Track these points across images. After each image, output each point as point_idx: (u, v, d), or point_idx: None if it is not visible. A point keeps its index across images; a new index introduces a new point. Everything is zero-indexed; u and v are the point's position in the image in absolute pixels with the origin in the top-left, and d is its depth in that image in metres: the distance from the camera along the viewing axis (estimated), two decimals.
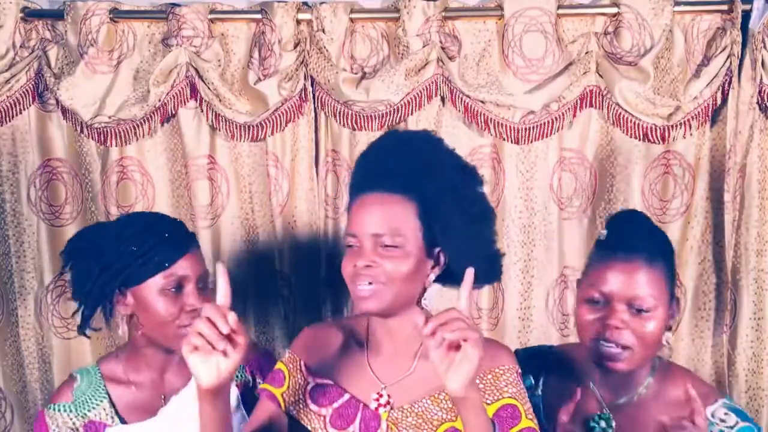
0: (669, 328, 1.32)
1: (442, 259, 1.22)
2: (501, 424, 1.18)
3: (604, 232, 1.37)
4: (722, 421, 1.27)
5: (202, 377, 1.04)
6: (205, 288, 1.40)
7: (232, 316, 1.03)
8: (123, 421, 1.40)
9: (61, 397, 1.43)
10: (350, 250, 1.19)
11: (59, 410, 1.41)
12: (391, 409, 1.22)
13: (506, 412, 1.19)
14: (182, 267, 1.36)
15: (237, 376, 1.43)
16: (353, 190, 1.24)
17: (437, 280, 1.25)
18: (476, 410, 1.07)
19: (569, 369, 1.41)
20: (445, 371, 1.02)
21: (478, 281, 1.20)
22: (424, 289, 1.23)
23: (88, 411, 1.40)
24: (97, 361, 1.50)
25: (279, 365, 1.32)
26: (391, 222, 1.16)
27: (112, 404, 1.41)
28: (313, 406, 1.26)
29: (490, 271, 1.27)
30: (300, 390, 1.28)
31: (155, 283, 1.35)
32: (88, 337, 1.49)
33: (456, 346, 1.02)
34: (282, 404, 1.27)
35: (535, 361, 1.46)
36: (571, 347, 1.49)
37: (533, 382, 1.45)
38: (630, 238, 1.31)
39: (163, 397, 1.43)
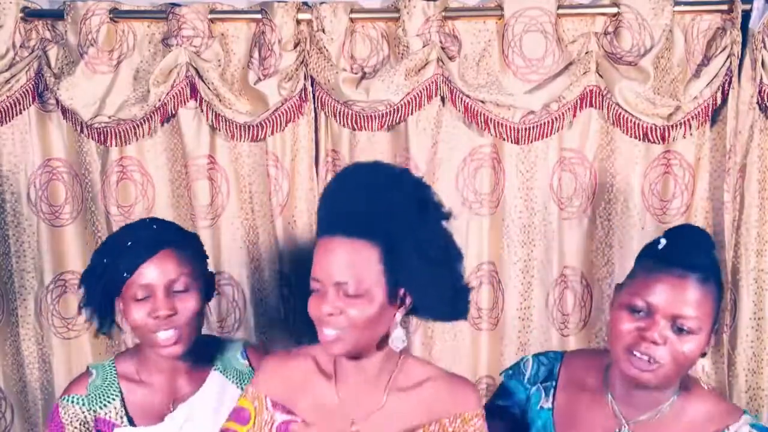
0: (704, 354, 1.27)
1: (407, 300, 1.20)
2: None
3: (663, 241, 1.30)
4: None
5: None
6: (187, 290, 1.37)
7: None
8: (131, 423, 1.40)
9: (75, 389, 1.43)
10: (315, 293, 1.18)
11: (72, 402, 1.41)
12: None
13: None
14: (144, 274, 1.33)
15: (243, 389, 1.40)
16: (319, 228, 1.22)
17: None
18: None
19: (585, 380, 1.38)
20: None
21: (444, 318, 1.25)
22: (391, 328, 1.22)
23: (100, 408, 1.40)
24: (114, 358, 1.49)
25: (242, 402, 1.29)
26: (354, 270, 1.14)
27: (124, 404, 1.41)
28: None
29: (456, 308, 1.25)
30: (265, 427, 1.25)
31: (127, 291, 1.35)
32: (111, 338, 1.50)
33: None
34: None
35: (547, 370, 1.43)
36: (586, 356, 1.45)
37: (543, 392, 1.42)
38: (689, 253, 1.25)
39: (172, 403, 1.43)
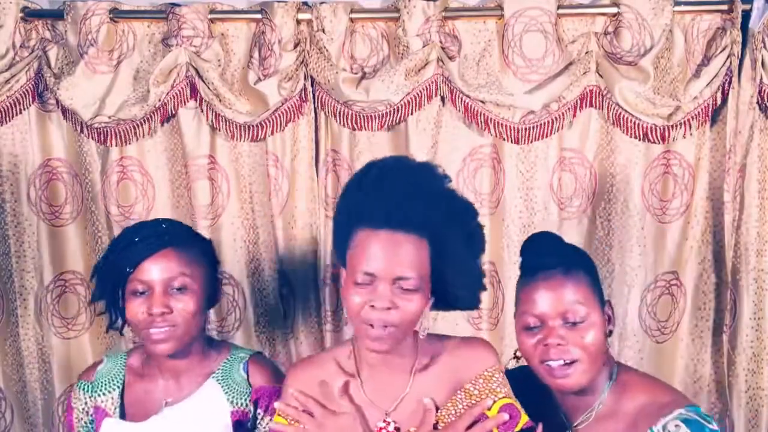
0: (610, 333, 1.32)
1: (438, 291, 1.22)
2: (505, 425, 1.19)
3: (520, 258, 1.39)
4: None
5: None
6: (186, 289, 1.38)
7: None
8: (123, 416, 1.41)
9: (86, 376, 1.49)
10: (359, 287, 1.15)
11: (81, 388, 1.47)
12: None
13: (507, 411, 1.20)
14: (146, 270, 1.35)
15: (235, 403, 1.41)
16: (354, 220, 1.18)
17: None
18: None
19: (541, 392, 1.40)
20: None
21: (464, 306, 1.28)
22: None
23: (99, 396, 1.44)
24: (128, 350, 1.53)
25: (278, 420, 1.27)
26: (411, 265, 1.14)
27: (122, 396, 1.43)
28: None
29: (476, 298, 1.28)
30: None
31: (128, 286, 1.37)
32: (122, 334, 1.53)
33: None
34: None
35: (514, 384, 1.45)
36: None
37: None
38: (543, 256, 1.33)
39: (165, 402, 1.43)
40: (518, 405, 1.23)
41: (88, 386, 1.45)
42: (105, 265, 1.41)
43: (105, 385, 1.44)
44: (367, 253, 1.15)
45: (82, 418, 1.45)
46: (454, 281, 1.21)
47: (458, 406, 1.22)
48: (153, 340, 1.35)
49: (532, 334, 1.30)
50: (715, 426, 1.20)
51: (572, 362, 1.25)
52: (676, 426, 1.20)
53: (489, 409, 1.20)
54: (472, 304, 1.28)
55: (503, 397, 1.22)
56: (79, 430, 1.45)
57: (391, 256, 1.14)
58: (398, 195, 1.15)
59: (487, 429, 1.18)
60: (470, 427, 1.18)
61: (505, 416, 1.19)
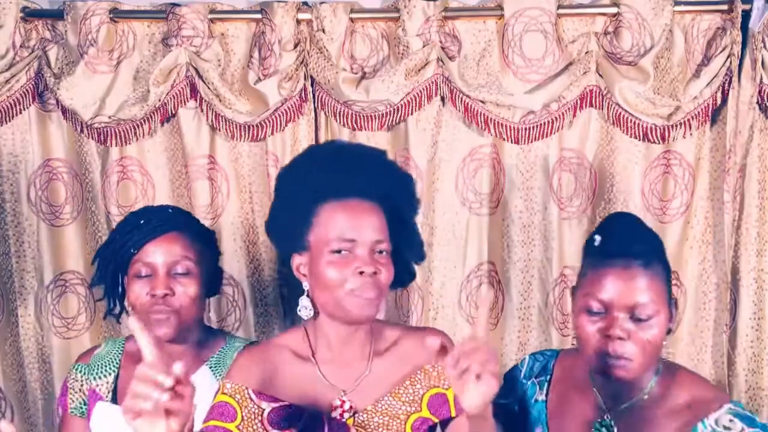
0: (669, 331, 1.28)
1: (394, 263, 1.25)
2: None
3: (598, 237, 1.31)
4: (726, 428, 1.21)
5: None
6: (189, 273, 1.40)
7: (178, 366, 0.95)
8: (115, 401, 1.43)
9: (83, 358, 1.51)
10: (337, 256, 1.16)
11: (77, 370, 1.49)
12: (355, 413, 1.22)
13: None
14: (150, 252, 1.38)
15: None
16: (318, 197, 1.20)
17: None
18: (488, 425, 1.08)
19: (574, 375, 1.39)
20: (463, 392, 1.03)
21: (401, 285, 1.32)
22: None
23: (94, 379, 1.46)
24: (128, 335, 1.54)
25: (222, 398, 1.23)
26: (382, 231, 1.18)
27: (116, 381, 1.45)
28: (274, 431, 1.21)
29: (420, 253, 1.33)
30: (255, 419, 1.21)
31: (131, 268, 1.38)
32: (119, 322, 1.55)
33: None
34: None
35: (541, 366, 1.45)
36: (576, 352, 1.47)
37: (537, 387, 1.44)
38: (625, 242, 1.27)
39: None
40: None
41: (84, 368, 1.47)
42: (109, 247, 1.43)
43: (101, 368, 1.46)
44: (342, 221, 1.16)
45: (75, 399, 1.47)
46: (405, 253, 1.26)
47: (416, 385, 1.24)
48: (154, 323, 1.36)
49: (592, 320, 1.25)
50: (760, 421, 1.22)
51: (628, 358, 1.22)
52: (731, 420, 1.21)
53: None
54: (410, 274, 1.33)
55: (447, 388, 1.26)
56: (72, 411, 1.48)
57: (365, 222, 1.17)
58: (352, 167, 1.21)
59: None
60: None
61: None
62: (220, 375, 1.43)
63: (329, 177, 1.20)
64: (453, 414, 1.22)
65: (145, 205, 1.58)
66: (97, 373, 1.46)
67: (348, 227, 1.16)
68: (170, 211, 1.48)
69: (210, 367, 1.45)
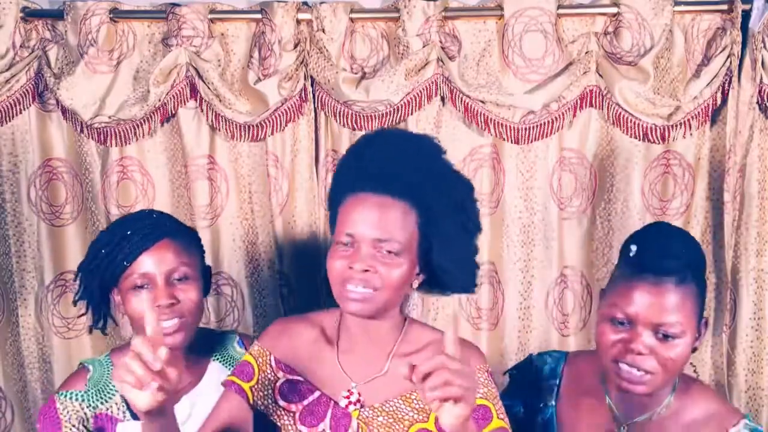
0: (694, 350, 1.24)
1: (428, 268, 1.21)
2: (477, 422, 1.17)
3: (634, 247, 1.26)
4: None
5: (138, 403, 1.02)
6: (187, 279, 1.37)
7: (163, 351, 1.00)
8: (134, 417, 1.40)
9: (73, 385, 1.41)
10: (342, 249, 1.16)
11: (71, 398, 1.38)
12: (362, 407, 1.22)
13: (477, 413, 1.18)
14: (145, 263, 1.33)
15: None
16: (345, 187, 1.20)
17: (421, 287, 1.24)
18: None
19: (586, 382, 1.37)
20: (438, 411, 0.99)
21: (456, 290, 1.25)
22: (407, 295, 1.23)
23: (101, 403, 1.39)
24: (109, 352, 1.47)
25: (247, 358, 1.29)
26: (393, 228, 1.14)
27: (124, 399, 1.40)
28: (282, 402, 1.24)
29: (469, 280, 1.26)
30: (269, 385, 1.26)
31: (126, 281, 1.35)
32: (105, 334, 1.49)
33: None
34: (250, 398, 1.25)
35: (550, 369, 1.43)
36: (587, 357, 1.43)
37: (546, 392, 1.41)
38: (660, 257, 1.21)
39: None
40: (495, 409, 1.20)
41: (80, 396, 1.39)
42: (93, 262, 1.37)
43: (102, 391, 1.40)
44: (352, 215, 1.16)
45: (72, 429, 1.37)
46: (443, 256, 1.19)
47: None
48: (163, 333, 1.35)
49: (615, 329, 1.22)
50: None
51: (647, 372, 1.19)
52: None
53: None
54: (466, 285, 1.26)
55: (479, 397, 1.19)
56: None
57: (373, 218, 1.14)
58: (386, 160, 1.17)
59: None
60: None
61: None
62: (230, 365, 1.43)
63: (358, 168, 1.20)
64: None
65: (124, 215, 1.51)
66: (101, 397, 1.39)
67: (354, 221, 1.16)
68: (154, 216, 1.43)
69: (219, 361, 1.45)
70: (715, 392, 1.35)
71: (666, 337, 1.19)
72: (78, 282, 1.41)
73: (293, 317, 1.37)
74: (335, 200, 1.23)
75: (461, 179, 1.26)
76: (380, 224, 1.14)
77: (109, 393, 1.40)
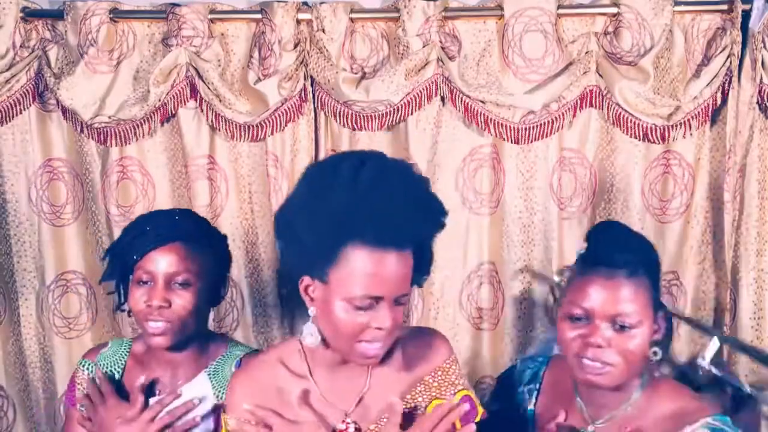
0: (656, 343, 1.27)
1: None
2: (465, 416, 1.19)
3: (584, 245, 1.32)
4: None
5: None
6: (188, 285, 1.38)
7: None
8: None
9: (90, 355, 1.52)
10: (360, 310, 1.10)
11: (83, 366, 1.50)
12: None
13: (465, 402, 1.20)
14: (152, 261, 1.37)
15: (221, 397, 1.40)
16: (347, 235, 1.08)
17: None
18: None
19: (561, 384, 1.38)
20: None
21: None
22: None
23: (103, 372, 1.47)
24: (135, 336, 1.55)
25: None
26: (407, 281, 1.13)
27: (121, 381, 1.46)
28: None
29: (428, 270, 1.25)
30: None
31: (136, 272, 1.39)
32: (130, 316, 1.48)
33: None
34: None
35: (532, 373, 1.44)
36: (563, 360, 1.47)
37: (527, 395, 1.43)
38: (610, 251, 1.27)
39: (158, 392, 1.44)
40: (474, 396, 1.24)
41: (90, 366, 1.48)
42: (117, 248, 1.43)
43: (106, 368, 1.47)
44: (371, 276, 1.08)
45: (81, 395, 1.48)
46: (417, 267, 1.18)
47: (418, 399, 1.22)
48: (149, 332, 1.37)
49: (574, 326, 1.26)
50: None
51: (608, 364, 1.22)
52: None
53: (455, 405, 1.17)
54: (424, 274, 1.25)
55: (462, 389, 1.23)
56: (81, 407, 1.48)
57: (394, 277, 1.10)
58: (394, 209, 1.08)
59: (451, 421, 1.14)
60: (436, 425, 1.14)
61: (466, 406, 1.17)
62: (218, 383, 1.43)
63: (364, 214, 1.07)
64: (458, 426, 1.20)
65: (156, 210, 1.56)
66: (106, 368, 1.47)
67: (376, 284, 1.08)
68: (177, 218, 1.44)
69: (208, 375, 1.45)
70: (685, 388, 1.33)
71: (623, 327, 1.22)
72: (106, 261, 1.47)
73: (248, 370, 1.29)
74: (327, 243, 1.09)
75: (440, 205, 1.18)
76: (398, 281, 1.11)
77: (110, 371, 1.47)
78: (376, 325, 1.10)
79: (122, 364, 1.48)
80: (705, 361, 1.37)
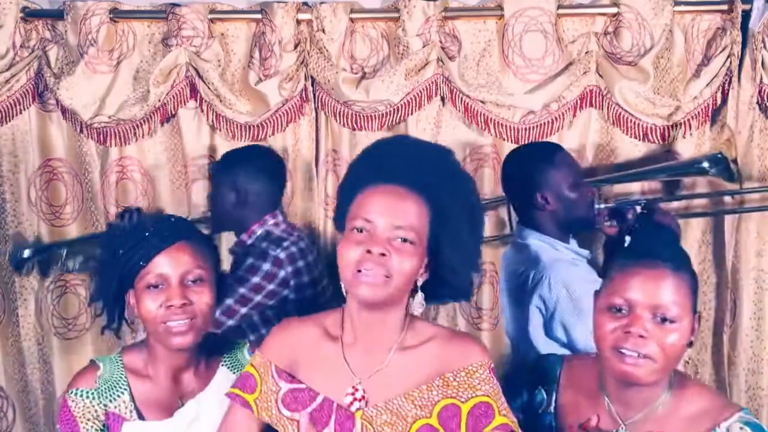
0: (690, 344, 1.25)
1: (432, 265, 1.22)
2: (475, 423, 1.17)
3: (628, 237, 1.30)
4: None
5: None
6: (202, 281, 1.38)
7: None
8: (141, 417, 1.40)
9: (83, 383, 1.40)
10: (356, 235, 1.16)
11: (81, 396, 1.38)
12: (366, 405, 1.21)
13: (479, 410, 1.18)
14: (161, 263, 1.34)
15: None
16: (360, 181, 1.21)
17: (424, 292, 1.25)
18: None
19: (583, 383, 1.37)
20: None
21: (455, 295, 1.27)
22: (412, 291, 1.23)
23: (110, 401, 1.38)
24: (120, 351, 1.47)
25: (249, 369, 1.29)
26: (409, 217, 1.16)
27: (132, 398, 1.41)
28: (285, 412, 1.23)
29: (469, 285, 1.28)
30: (272, 396, 1.25)
31: (141, 281, 1.36)
32: (119, 337, 1.48)
33: None
34: (255, 411, 1.24)
35: (548, 373, 1.43)
36: (584, 361, 1.43)
37: (545, 396, 1.42)
38: (657, 245, 1.26)
39: (180, 398, 1.42)
40: (497, 406, 1.20)
41: (92, 393, 1.39)
42: (111, 262, 1.38)
43: (112, 389, 1.39)
44: (370, 202, 1.17)
45: (91, 428, 1.38)
46: (452, 254, 1.20)
47: (433, 391, 1.21)
48: (173, 332, 1.34)
49: (613, 318, 1.23)
50: None
51: (647, 357, 1.20)
52: (741, 428, 1.20)
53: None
54: (465, 289, 1.28)
55: (481, 395, 1.20)
56: None
57: (391, 205, 1.15)
58: (403, 158, 1.19)
59: None
60: None
61: None
62: (238, 371, 1.43)
63: (373, 166, 1.21)
64: (463, 430, 1.20)
65: (145, 218, 1.54)
66: (110, 396, 1.38)
67: (372, 208, 1.16)
68: (173, 220, 1.44)
69: (227, 367, 1.45)
70: (713, 389, 1.36)
71: (664, 320, 1.21)
72: (94, 282, 1.43)
73: (294, 319, 1.36)
74: (348, 195, 1.22)
75: (470, 180, 1.28)
76: (398, 211, 1.15)
77: (117, 391, 1.40)
78: (367, 248, 1.14)
79: (125, 380, 1.41)
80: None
